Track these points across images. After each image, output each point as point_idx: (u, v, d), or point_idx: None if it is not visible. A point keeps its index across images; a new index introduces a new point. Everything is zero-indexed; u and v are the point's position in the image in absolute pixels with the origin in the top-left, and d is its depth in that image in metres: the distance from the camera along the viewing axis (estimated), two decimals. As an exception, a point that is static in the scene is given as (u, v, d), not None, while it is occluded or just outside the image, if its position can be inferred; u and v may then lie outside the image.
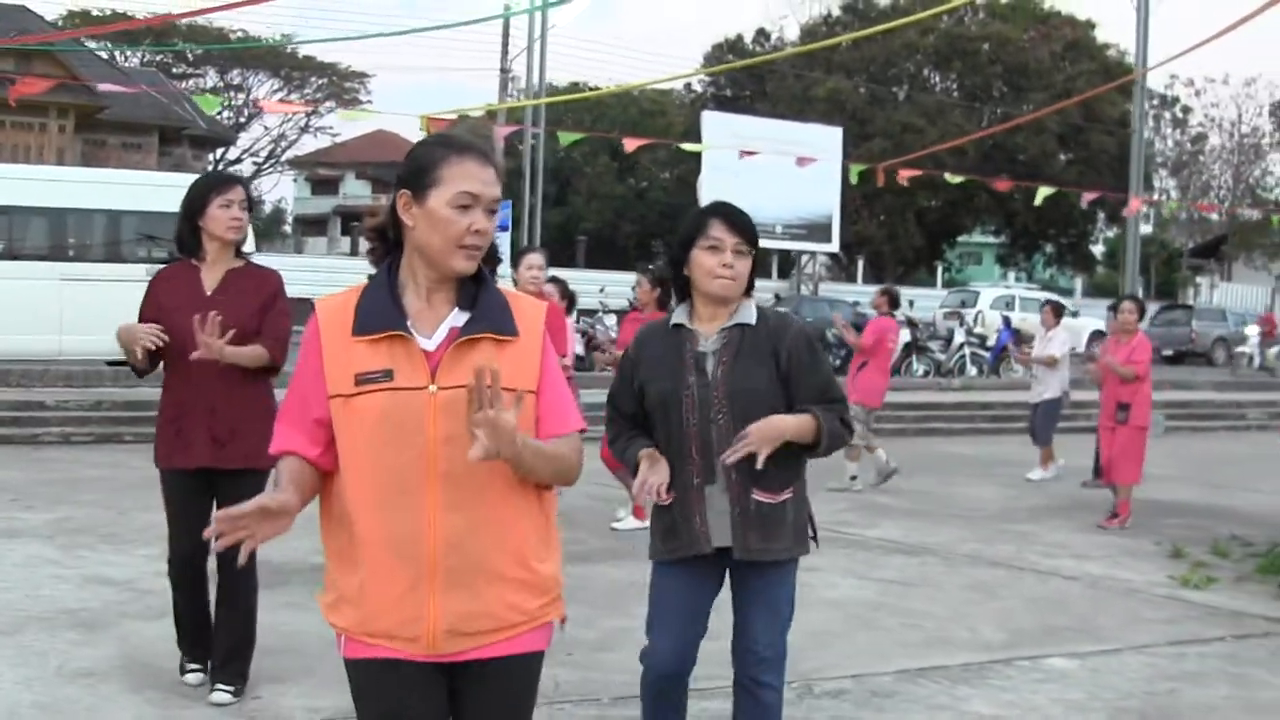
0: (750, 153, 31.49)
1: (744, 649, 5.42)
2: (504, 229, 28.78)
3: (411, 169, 3.65)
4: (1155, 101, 66.74)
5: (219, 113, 51.98)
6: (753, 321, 5.30)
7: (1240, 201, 66.09)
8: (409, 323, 3.62)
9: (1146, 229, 67.05)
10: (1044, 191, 29.58)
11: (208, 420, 6.84)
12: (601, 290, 36.22)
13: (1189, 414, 27.93)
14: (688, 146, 31.85)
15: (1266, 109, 66.05)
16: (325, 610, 3.76)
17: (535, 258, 12.10)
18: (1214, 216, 65.08)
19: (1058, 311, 18.69)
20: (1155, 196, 55.97)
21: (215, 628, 7.15)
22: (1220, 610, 10.28)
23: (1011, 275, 67.47)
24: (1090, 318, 45.98)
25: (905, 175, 28.19)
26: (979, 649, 8.81)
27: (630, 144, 29.06)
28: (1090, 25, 59.06)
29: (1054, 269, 69.69)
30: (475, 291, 3.68)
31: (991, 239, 69.08)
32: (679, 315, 5.36)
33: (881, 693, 7.70)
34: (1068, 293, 63.16)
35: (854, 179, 30.32)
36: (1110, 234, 67.11)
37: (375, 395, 3.55)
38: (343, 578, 3.68)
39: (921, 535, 13.06)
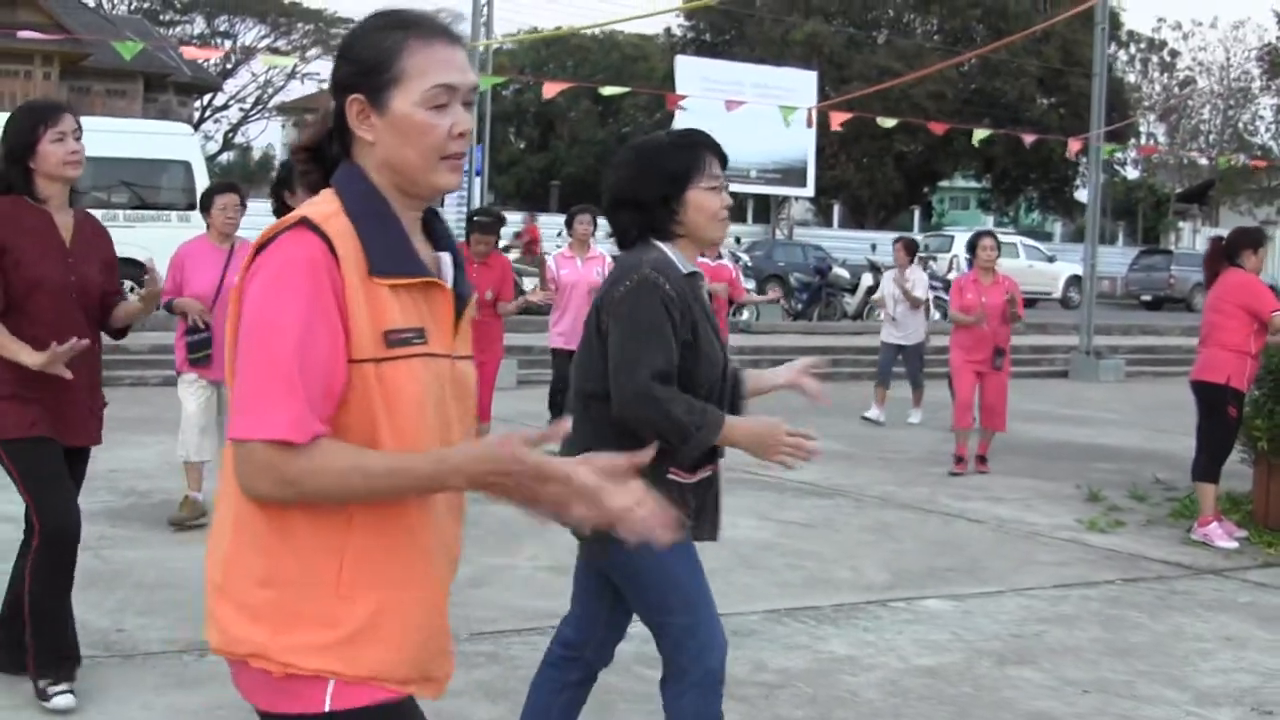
0: (736, 101, 31.26)
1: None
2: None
3: (360, 65, 2.79)
4: (1143, 45, 66.70)
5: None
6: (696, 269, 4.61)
7: (1228, 147, 65.98)
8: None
9: (1135, 174, 67.04)
10: (980, 133, 29.46)
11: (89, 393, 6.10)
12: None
13: (1154, 359, 28.00)
14: (609, 90, 31.65)
15: (1255, 53, 65.85)
16: (309, 655, 2.72)
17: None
18: (1203, 161, 64.95)
19: (910, 249, 18.22)
20: (1136, 142, 55.85)
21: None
22: (1118, 554, 10.27)
23: (992, 220, 67.37)
24: (1068, 262, 45.92)
25: (839, 119, 27.91)
26: (858, 590, 8.81)
27: (550, 89, 28.83)
28: (1073, -32, 58.94)
29: (1038, 214, 69.57)
30: (434, 226, 2.96)
31: (975, 183, 68.91)
32: (683, 260, 4.50)
33: (741, 631, 7.66)
34: (1049, 237, 63.12)
35: (785, 122, 30.07)
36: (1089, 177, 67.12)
37: (410, 362, 2.72)
38: (345, 607, 2.72)
39: (840, 478, 13.04)
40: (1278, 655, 7.66)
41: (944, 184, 68.89)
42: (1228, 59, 67.10)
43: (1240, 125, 68.57)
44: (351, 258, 2.67)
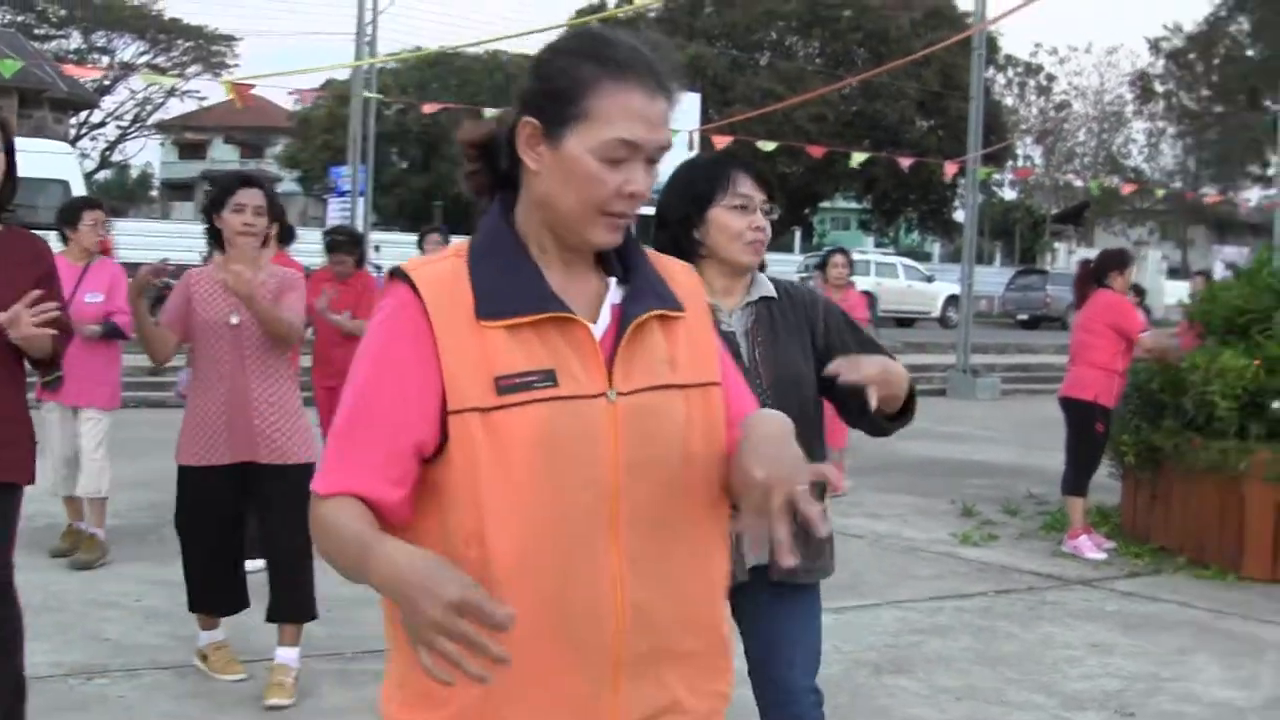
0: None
1: (775, 680, 4.59)
2: (347, 193, 28.67)
3: (544, 88, 2.46)
4: (1020, 69, 67.83)
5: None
6: (775, 294, 4.37)
7: (1102, 169, 67.22)
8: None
9: (1012, 195, 68.10)
10: (859, 156, 29.93)
11: None
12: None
13: (1029, 377, 28.55)
14: (491, 113, 31.72)
15: (1127, 78, 67.23)
16: None
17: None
18: (1078, 183, 66.11)
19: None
20: (1013, 164, 56.80)
21: None
22: (991, 566, 10.60)
23: (872, 241, 68.15)
24: (946, 282, 46.65)
25: (722, 142, 28.23)
26: (740, 604, 9.03)
27: (429, 108, 28.70)
28: (952, -7, 59.72)
29: (917, 234, 70.44)
30: (622, 250, 2.59)
31: (856, 205, 69.65)
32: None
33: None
34: (927, 257, 63.99)
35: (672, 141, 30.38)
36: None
37: (531, 408, 2.40)
38: (453, 686, 2.23)
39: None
40: (1141, 660, 8.00)
41: (825, 205, 69.50)
42: (1102, 84, 68.46)
43: (1114, 148, 69.90)
44: (450, 303, 2.43)
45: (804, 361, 4.28)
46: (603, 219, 2.45)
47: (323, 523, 2.39)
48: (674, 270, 2.68)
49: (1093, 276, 11.60)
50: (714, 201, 4.21)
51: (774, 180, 4.37)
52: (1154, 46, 64.36)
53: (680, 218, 4.25)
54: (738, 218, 4.21)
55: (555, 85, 2.44)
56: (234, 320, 6.57)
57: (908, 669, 7.72)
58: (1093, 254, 12.10)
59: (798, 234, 62.10)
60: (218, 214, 6.61)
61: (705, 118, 42.16)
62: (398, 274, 2.48)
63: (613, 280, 2.56)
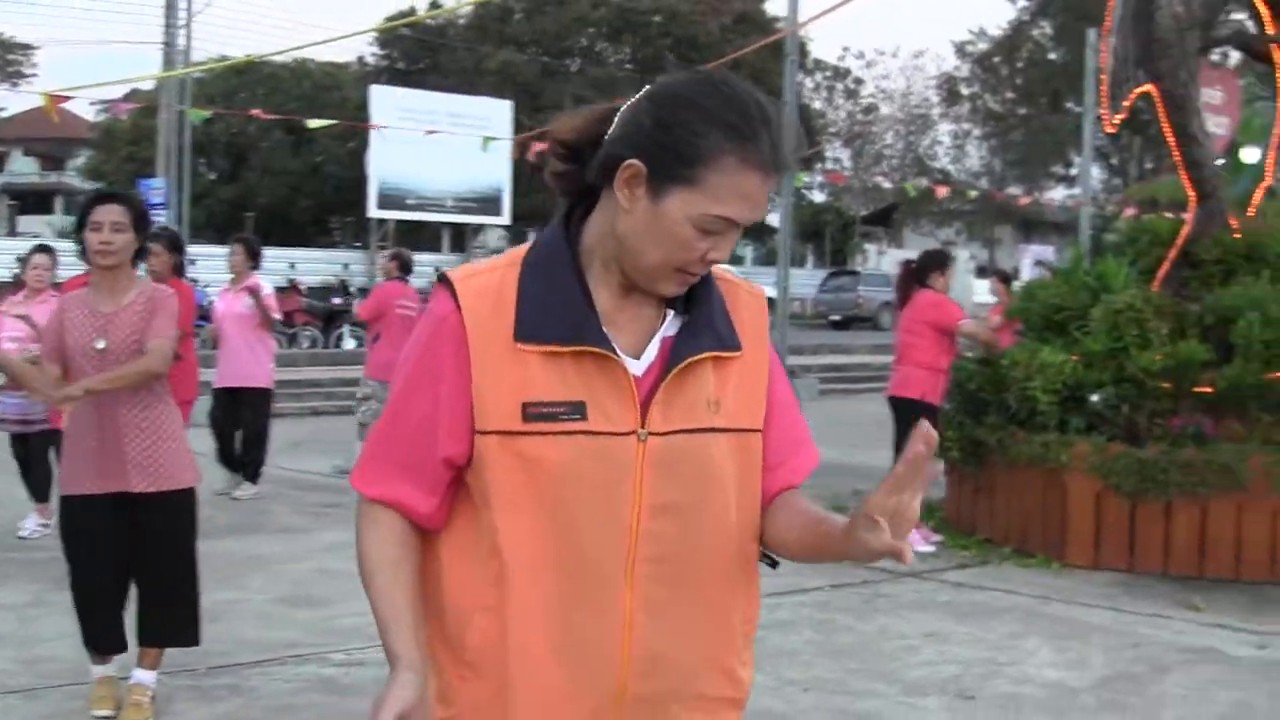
0: (436, 130, 31.32)
1: None
2: (159, 206, 28.24)
3: (665, 139, 2.35)
4: (828, 73, 68.78)
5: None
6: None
7: (910, 171, 68.43)
8: (606, 330, 2.43)
9: (821, 197, 68.98)
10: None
11: None
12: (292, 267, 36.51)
13: (844, 377, 29.02)
14: (315, 123, 31.29)
15: (934, 81, 68.50)
16: None
17: None
18: (886, 185, 67.19)
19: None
20: (823, 166, 57.60)
21: None
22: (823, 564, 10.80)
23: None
24: (760, 284, 47.06)
25: (536, 149, 28.23)
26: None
27: (264, 116, 28.29)
28: (761, -1, 60.43)
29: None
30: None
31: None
32: None
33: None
34: (740, 260, 64.57)
35: (485, 149, 30.38)
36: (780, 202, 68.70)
37: (556, 440, 2.37)
38: (462, 686, 2.47)
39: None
40: (975, 647, 8.27)
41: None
42: (908, 87, 69.69)
43: (921, 150, 71.20)
44: (490, 320, 2.39)
45: None
46: (676, 275, 2.42)
47: (364, 535, 2.53)
48: (742, 299, 2.59)
49: (914, 277, 11.90)
50: None
51: None
52: (960, 50, 65.68)
53: None
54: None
55: (676, 141, 2.33)
56: (100, 346, 6.30)
57: (757, 664, 7.87)
58: (903, 254, 12.44)
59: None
60: (80, 233, 6.50)
61: (517, 123, 42.22)
62: (445, 281, 2.45)
63: (670, 312, 2.49)
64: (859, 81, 70.22)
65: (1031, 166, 65.42)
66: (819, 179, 59.83)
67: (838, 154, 69.43)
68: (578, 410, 2.36)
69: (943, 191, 41.36)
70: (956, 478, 12.01)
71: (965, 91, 66.74)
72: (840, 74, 69.92)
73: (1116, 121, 11.78)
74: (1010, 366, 11.21)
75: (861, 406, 22.95)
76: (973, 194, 53.68)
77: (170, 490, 6.44)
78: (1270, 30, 12.27)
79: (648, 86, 2.45)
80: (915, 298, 11.70)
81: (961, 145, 70.54)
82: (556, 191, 2.54)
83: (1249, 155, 13.82)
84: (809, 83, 64.20)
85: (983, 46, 63.72)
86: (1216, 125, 12.17)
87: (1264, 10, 12.21)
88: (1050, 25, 61.61)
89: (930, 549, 11.17)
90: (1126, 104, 11.52)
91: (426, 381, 2.43)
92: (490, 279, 2.43)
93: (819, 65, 66.47)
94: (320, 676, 7.45)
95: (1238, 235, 11.68)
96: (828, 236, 72.01)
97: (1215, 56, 12.49)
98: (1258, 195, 12.46)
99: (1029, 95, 64.13)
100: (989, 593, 9.79)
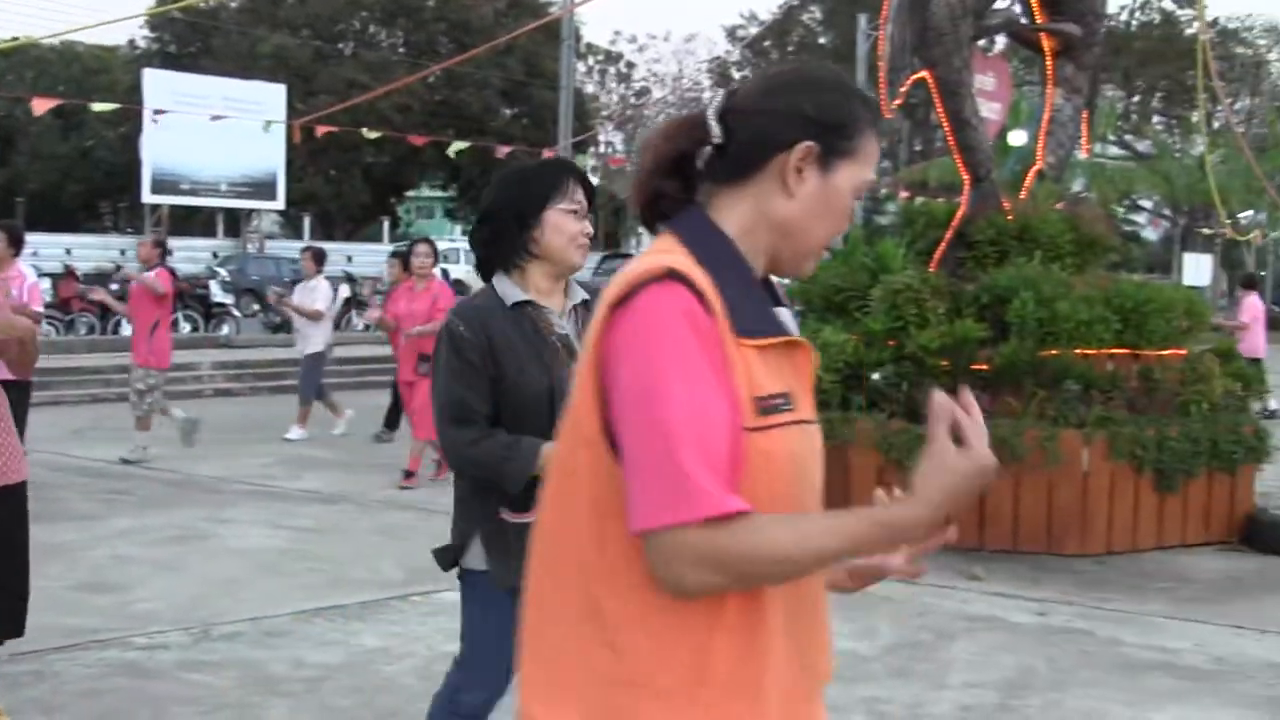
0: (219, 116, 30.82)
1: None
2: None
3: (826, 117, 2.42)
4: (601, 57, 69.17)
5: None
6: (588, 296, 4.49)
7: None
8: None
9: (595, 180, 69.30)
10: (456, 146, 30.09)
11: None
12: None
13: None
14: (100, 106, 30.64)
15: (705, 65, 69.22)
16: None
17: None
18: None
19: (319, 258, 17.58)
20: (596, 150, 57.93)
21: None
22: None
23: (459, 229, 68.45)
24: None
25: (324, 130, 27.99)
26: (378, 587, 9.18)
27: (39, 105, 27.48)
28: (532, -17, 60.41)
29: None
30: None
31: (441, 193, 69.81)
32: (514, 291, 4.37)
33: (276, 632, 7.98)
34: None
35: (268, 133, 30.08)
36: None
37: (783, 430, 2.34)
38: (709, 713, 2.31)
39: (343, 485, 13.37)
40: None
41: (411, 194, 69.58)
42: (680, 71, 70.37)
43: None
44: (720, 314, 2.29)
45: None
46: (818, 255, 2.50)
47: (770, 540, 2.23)
48: None
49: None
50: (550, 204, 4.32)
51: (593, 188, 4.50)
52: (731, 34, 66.45)
53: (515, 216, 4.33)
54: (572, 221, 4.34)
55: (835, 117, 2.41)
56: None
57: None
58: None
59: (385, 224, 61.86)
60: None
61: (290, 107, 41.75)
62: (677, 276, 2.28)
63: (786, 311, 2.51)
64: (631, 65, 70.86)
65: (803, 149, 66.50)
66: (592, 163, 60.14)
67: (610, 137, 69.84)
68: (790, 400, 2.35)
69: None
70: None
71: (736, 75, 67.55)
72: (613, 58, 70.42)
73: (893, 108, 12.07)
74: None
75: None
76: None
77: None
78: (1039, 19, 12.68)
79: (756, 80, 2.49)
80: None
81: (734, 128, 71.47)
82: (638, 208, 2.48)
83: (1015, 138, 14.23)
84: (581, 67, 64.44)
85: (754, 31, 64.48)
86: (989, 110, 12.50)
87: (1033, 0, 12.62)
88: (820, 10, 62.64)
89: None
90: (903, 90, 11.80)
91: (712, 380, 2.25)
92: (703, 276, 2.30)
93: (591, 49, 66.80)
94: (123, 660, 7.39)
95: (1011, 217, 12.05)
96: (601, 219, 72.34)
97: (987, 43, 12.83)
98: (1029, 178, 12.85)
99: (800, 80, 65.16)
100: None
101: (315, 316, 16.94)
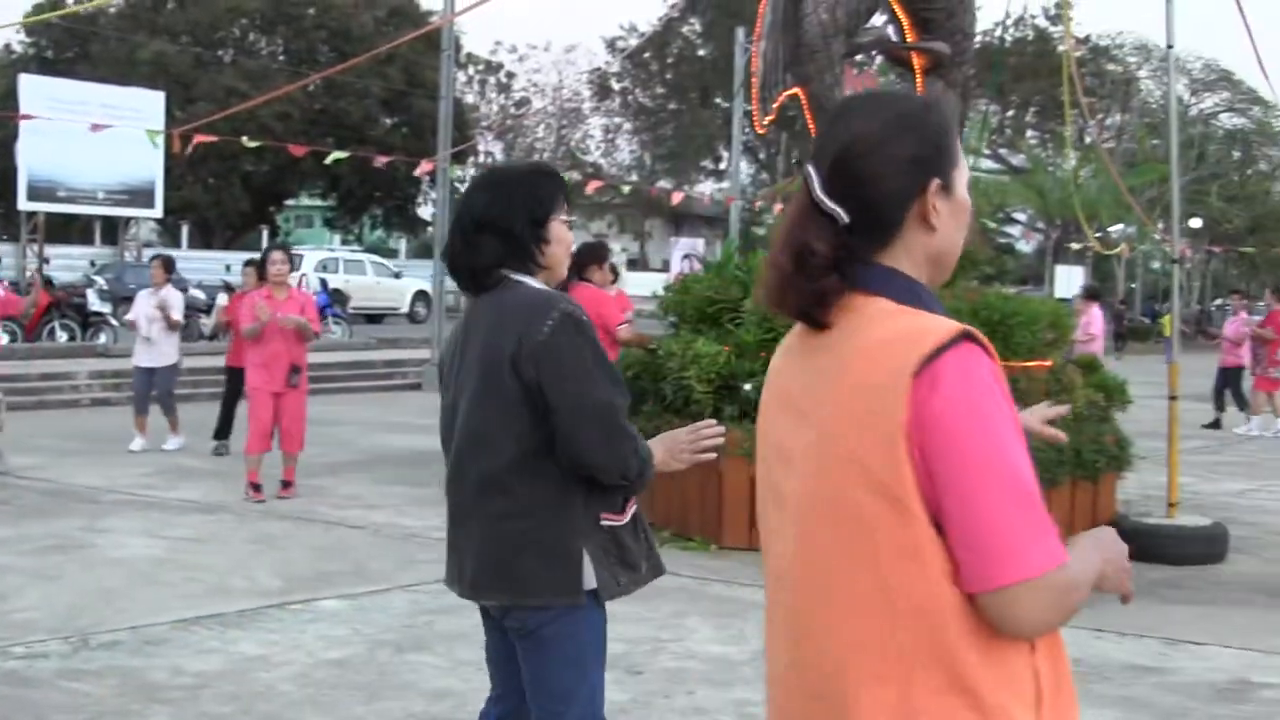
0: (102, 126, 30.52)
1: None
2: None
3: (935, 145, 2.56)
4: (481, 67, 69.13)
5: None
6: None
7: (562, 165, 69.23)
8: None
9: (475, 192, 69.23)
10: (335, 155, 29.94)
11: None
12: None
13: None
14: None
15: (585, 76, 69.37)
16: None
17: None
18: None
19: (168, 267, 17.32)
20: (475, 160, 57.93)
21: None
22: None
23: (339, 238, 68.21)
24: (414, 278, 47.45)
25: (193, 142, 27.74)
26: (256, 596, 9.27)
27: None
28: (414, -8, 60.31)
29: (383, 231, 70.81)
30: None
31: (320, 201, 69.49)
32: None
33: (155, 640, 8.05)
34: (394, 254, 64.54)
35: (153, 144, 29.88)
36: (435, 196, 68.91)
37: None
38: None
39: (221, 494, 13.40)
40: (641, 625, 8.59)
41: (290, 203, 69.23)
42: (560, 81, 70.51)
43: (573, 144, 72.11)
44: None
45: None
46: None
47: (1072, 585, 2.40)
48: None
49: (573, 270, 12.21)
50: (553, 214, 4.20)
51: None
52: (611, 46, 66.59)
53: (527, 226, 4.16)
54: (569, 232, 4.29)
55: (935, 142, 2.54)
56: None
57: (427, 646, 8.13)
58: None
59: (264, 232, 61.52)
60: None
61: (169, 115, 41.45)
62: (968, 336, 2.41)
63: None
64: (511, 75, 70.90)
65: (681, 161, 66.81)
66: (471, 173, 60.16)
67: (490, 147, 69.85)
68: None
69: (595, 186, 42.02)
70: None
71: (616, 86, 67.81)
72: (493, 68, 70.44)
73: (766, 123, 12.31)
74: (667, 357, 11.65)
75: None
76: (626, 189, 54.61)
77: None
78: (910, 38, 12.96)
79: (844, 144, 2.54)
80: (573, 292, 12.00)
81: (613, 139, 71.82)
82: (796, 311, 2.57)
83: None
84: (461, 76, 64.46)
85: (634, 42, 64.71)
86: (860, 127, 12.77)
87: (904, 18, 12.90)
88: (699, 22, 62.99)
89: (594, 534, 11.49)
90: (776, 106, 12.03)
91: (1020, 434, 2.40)
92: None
93: (471, 59, 66.77)
94: (2, 670, 7.44)
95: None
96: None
97: (863, 58, 13.10)
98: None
99: (679, 91, 65.45)
100: (651, 574, 10.18)
101: (175, 326, 16.85)
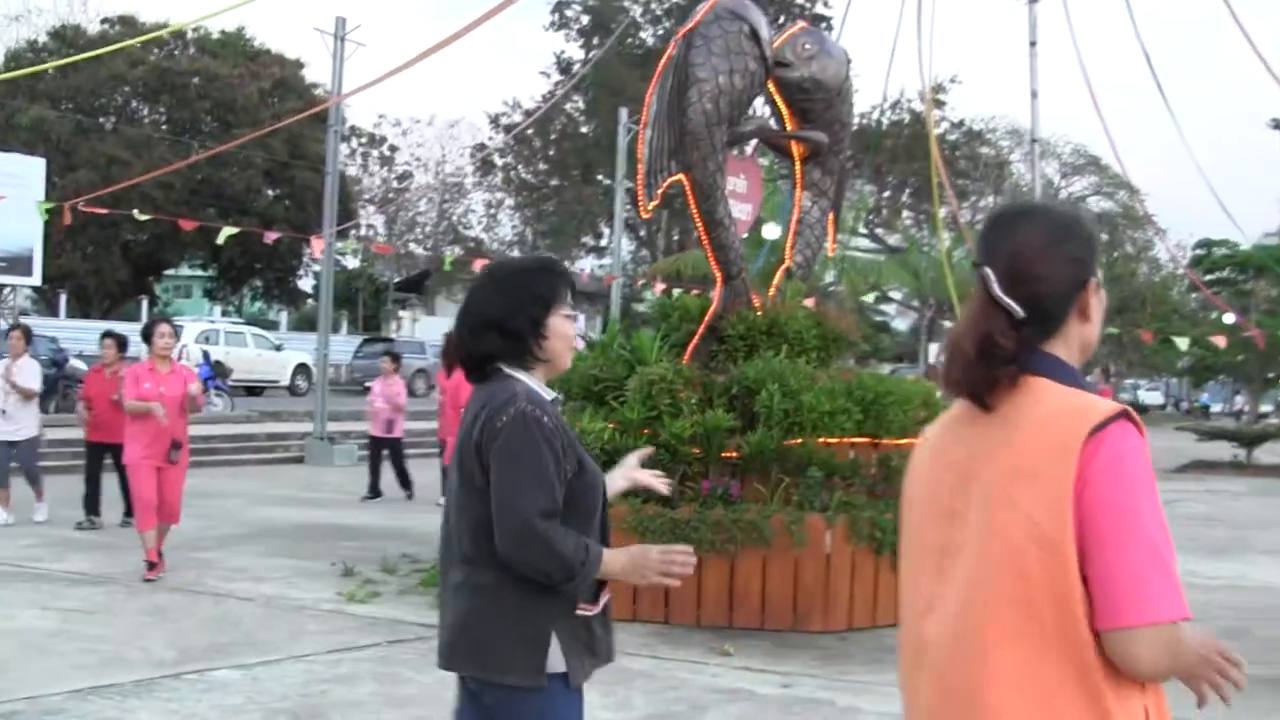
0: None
1: None
2: None
3: (1093, 247, 3.04)
4: (364, 140, 69.25)
5: None
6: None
7: (444, 239, 69.46)
8: None
9: (354, 263, 69.23)
10: (228, 231, 29.86)
11: None
12: None
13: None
14: None
15: (468, 151, 69.62)
16: None
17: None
18: (420, 251, 67.95)
19: (28, 336, 17.30)
20: (358, 233, 58.00)
21: None
22: (380, 620, 11.32)
23: (219, 310, 67.83)
24: (295, 350, 47.44)
25: (91, 210, 27.72)
26: (151, 666, 9.43)
27: None
28: (298, 65, 60.24)
29: (263, 303, 70.51)
30: None
31: (201, 272, 69.12)
32: (544, 388, 4.34)
33: (53, 710, 8.20)
34: (274, 326, 64.26)
35: (42, 215, 29.81)
36: (317, 268, 68.77)
37: None
38: None
39: (108, 567, 13.50)
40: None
41: (170, 272, 68.82)
42: (443, 155, 70.86)
43: (455, 218, 72.32)
44: None
45: None
46: None
47: (1188, 642, 2.75)
48: None
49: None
50: (552, 309, 4.31)
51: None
52: (494, 121, 66.87)
53: (528, 322, 4.27)
54: (571, 326, 4.37)
55: (1092, 245, 3.00)
56: None
57: (323, 714, 8.34)
58: (437, 322, 13.08)
59: (144, 302, 61.11)
60: None
61: (49, 182, 41.25)
62: (1126, 414, 2.81)
63: None
64: (394, 149, 71.10)
65: (563, 236, 67.14)
66: (354, 246, 60.21)
67: (372, 220, 69.89)
68: None
69: (480, 263, 42.38)
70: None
71: (499, 161, 68.13)
72: (376, 141, 70.62)
73: (651, 208, 12.68)
74: (553, 433, 11.93)
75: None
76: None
77: None
78: (790, 127, 13.45)
79: (1021, 249, 2.96)
80: (458, 370, 12.24)
81: (495, 214, 72.07)
82: (969, 392, 2.97)
83: (770, 231, 14.89)
84: (344, 149, 64.59)
85: (517, 118, 65.07)
86: (740, 211, 13.16)
87: (784, 109, 13.39)
88: (583, 99, 63.54)
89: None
90: (660, 192, 12.41)
91: (1157, 505, 2.79)
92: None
93: (355, 132, 66.93)
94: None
95: (760, 313, 12.73)
96: (360, 302, 72.34)
97: (741, 148, 13.55)
98: (777, 276, 13.56)
99: (561, 167, 65.84)
100: (537, 645, 10.44)
101: (29, 396, 16.69)
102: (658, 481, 4.66)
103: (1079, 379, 2.93)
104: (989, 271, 2.95)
